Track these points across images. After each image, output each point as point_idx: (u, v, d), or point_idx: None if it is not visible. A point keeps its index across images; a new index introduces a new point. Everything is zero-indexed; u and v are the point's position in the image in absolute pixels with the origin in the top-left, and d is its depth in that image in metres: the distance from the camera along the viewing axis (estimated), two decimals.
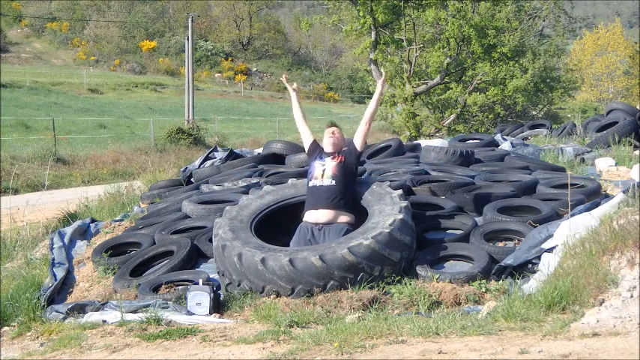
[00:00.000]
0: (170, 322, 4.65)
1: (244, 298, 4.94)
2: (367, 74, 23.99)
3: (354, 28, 21.56)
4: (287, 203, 5.95)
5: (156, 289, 5.27)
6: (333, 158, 5.70)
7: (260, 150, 9.96)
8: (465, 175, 7.30)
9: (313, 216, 5.51)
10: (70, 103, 33.87)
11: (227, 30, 59.04)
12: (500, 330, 3.86)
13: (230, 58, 56.36)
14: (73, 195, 9.93)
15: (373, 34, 21.09)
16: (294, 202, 5.91)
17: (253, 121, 35.41)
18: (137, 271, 5.79)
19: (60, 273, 5.88)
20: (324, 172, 5.62)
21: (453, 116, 22.39)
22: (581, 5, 74.39)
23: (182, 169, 9.57)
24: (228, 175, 8.10)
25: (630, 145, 9.42)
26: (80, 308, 5.02)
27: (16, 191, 13.75)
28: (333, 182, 5.55)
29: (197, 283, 4.98)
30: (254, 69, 56.92)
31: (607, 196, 6.31)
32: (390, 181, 6.30)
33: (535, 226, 5.45)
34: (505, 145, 9.54)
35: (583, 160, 8.91)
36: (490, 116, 23.92)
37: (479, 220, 5.97)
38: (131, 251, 6.33)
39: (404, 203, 5.39)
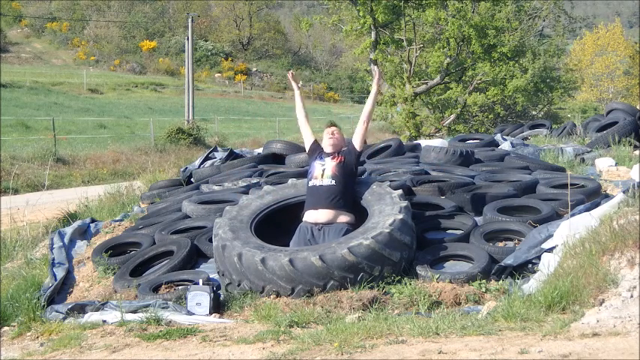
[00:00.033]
0: (170, 322, 4.65)
1: (244, 298, 4.94)
2: (367, 74, 24.00)
3: (354, 28, 21.56)
4: (287, 203, 5.95)
5: (156, 289, 5.27)
6: (332, 158, 5.70)
7: (260, 150, 9.96)
8: (465, 175, 7.30)
9: (313, 216, 5.51)
10: (70, 103, 33.88)
11: (227, 30, 59.04)
12: (500, 330, 3.86)
13: (230, 58, 56.37)
14: (73, 195, 9.93)
15: (373, 34, 21.10)
16: (294, 202, 5.91)
17: (253, 121, 35.42)
18: (137, 271, 5.79)
19: (60, 273, 5.88)
20: (323, 172, 5.62)
21: (453, 116, 22.39)
22: (581, 5, 74.40)
23: (182, 169, 9.57)
24: (228, 175, 8.10)
25: (630, 145, 9.42)
26: (80, 308, 5.02)
27: (16, 191, 13.75)
28: (333, 182, 5.55)
29: (197, 283, 4.98)
30: (254, 69, 56.92)
31: (607, 196, 6.31)
32: (390, 181, 6.30)
33: (535, 226, 5.45)
34: (505, 145, 9.54)
35: (583, 160, 8.91)
36: (490, 116, 23.92)
37: (479, 220, 5.97)
38: (131, 251, 6.33)
39: (404, 203, 5.39)
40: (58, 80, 40.23)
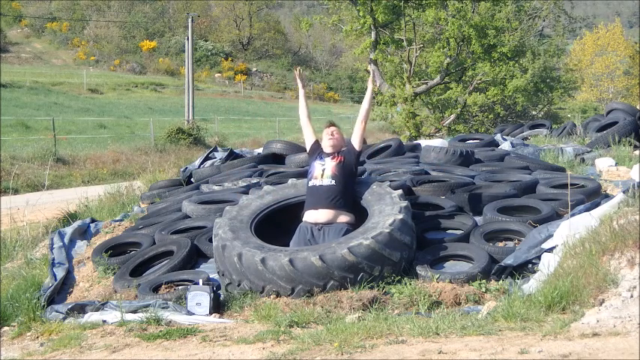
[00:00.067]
0: (170, 322, 4.65)
1: (244, 298, 4.94)
2: (367, 74, 23.99)
3: (354, 28, 21.58)
4: (287, 203, 5.95)
5: (156, 289, 5.27)
6: (332, 158, 5.70)
7: (260, 150, 9.96)
8: (465, 175, 7.30)
9: (313, 216, 5.51)
10: (70, 103, 33.88)
11: (227, 30, 59.06)
12: (500, 330, 3.86)
13: (230, 58, 56.37)
14: (73, 195, 9.93)
15: (373, 34, 21.10)
16: (294, 202, 5.91)
17: (253, 121, 35.42)
18: (137, 271, 5.79)
19: (60, 273, 5.88)
20: (323, 172, 5.62)
21: (453, 116, 22.39)
22: (581, 5, 74.41)
23: (182, 169, 9.57)
24: (228, 175, 8.10)
25: (630, 145, 9.42)
26: (80, 308, 5.02)
27: (16, 191, 13.75)
28: (333, 182, 5.55)
29: (197, 283, 4.98)
30: (254, 69, 56.93)
31: (607, 196, 6.31)
32: (390, 181, 6.29)
33: (535, 226, 5.45)
34: (505, 145, 9.54)
35: (583, 160, 8.91)
36: (490, 116, 23.92)
37: (479, 220, 5.97)
38: (131, 251, 6.33)
39: (404, 203, 5.39)
40: (58, 80, 40.24)
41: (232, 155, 9.54)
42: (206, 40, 56.15)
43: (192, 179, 8.85)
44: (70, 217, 7.91)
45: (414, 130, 20.72)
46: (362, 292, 4.77)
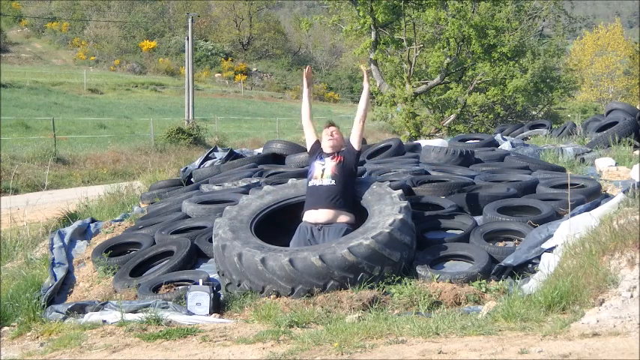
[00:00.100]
0: (170, 322, 4.65)
1: (244, 298, 4.94)
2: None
3: (354, 28, 21.58)
4: (287, 203, 5.95)
5: (156, 289, 5.27)
6: (332, 158, 5.70)
7: (260, 150, 9.96)
8: (465, 175, 7.30)
9: (313, 216, 5.50)
10: (70, 103, 33.89)
11: (227, 30, 59.07)
12: (500, 330, 3.86)
13: (230, 58, 56.38)
14: (73, 195, 9.93)
15: (373, 34, 21.10)
16: (294, 202, 5.91)
17: (253, 121, 35.42)
18: (137, 271, 5.79)
19: (60, 273, 5.88)
20: (323, 172, 5.62)
21: (453, 116, 22.39)
22: (581, 5, 74.41)
23: (182, 169, 9.57)
24: (228, 175, 8.10)
25: (630, 145, 9.42)
26: (80, 308, 5.02)
27: (16, 191, 13.75)
28: (333, 182, 5.55)
29: (197, 283, 4.98)
30: (254, 69, 56.94)
31: (607, 196, 6.31)
32: (390, 181, 6.29)
33: (535, 226, 5.45)
34: (505, 145, 9.54)
35: (583, 160, 8.91)
36: (490, 116, 23.92)
37: (478, 220, 5.97)
38: (131, 251, 6.33)
39: (404, 203, 5.39)
40: (58, 80, 40.25)
41: (232, 155, 9.54)
42: (206, 40, 56.17)
43: (192, 179, 8.85)
44: (70, 217, 7.92)
45: (414, 130, 20.72)
46: (362, 292, 4.77)
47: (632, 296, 3.85)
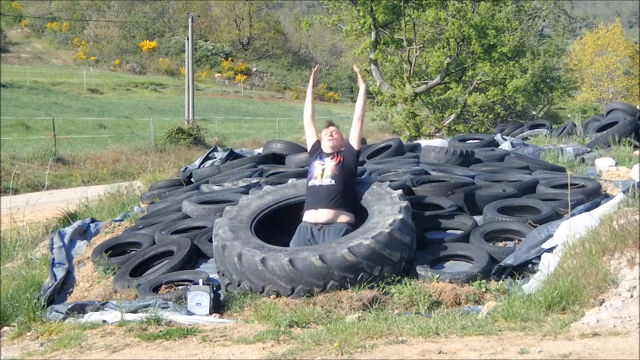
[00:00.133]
0: (170, 322, 4.65)
1: (244, 298, 4.94)
2: (367, 74, 24.00)
3: (354, 28, 21.57)
4: (287, 203, 5.95)
5: (156, 289, 5.27)
6: (332, 158, 5.70)
7: (260, 150, 9.96)
8: (465, 175, 7.30)
9: (313, 216, 5.50)
10: (70, 103, 33.89)
11: (227, 30, 59.06)
12: (500, 330, 3.86)
13: (230, 58, 56.38)
14: (73, 195, 9.93)
15: (373, 34, 21.10)
16: (294, 202, 5.91)
17: (253, 121, 35.42)
18: (137, 271, 5.79)
19: (60, 273, 5.88)
20: (323, 172, 5.62)
21: (453, 116, 22.39)
22: (581, 5, 74.42)
23: (182, 169, 9.57)
24: (228, 175, 8.10)
25: (630, 145, 9.42)
26: (80, 308, 5.02)
27: (16, 191, 13.75)
28: (333, 182, 5.55)
29: (197, 283, 4.98)
30: (254, 69, 56.93)
31: (607, 196, 6.31)
32: (390, 181, 6.29)
33: (535, 226, 5.45)
34: (505, 145, 9.54)
35: (583, 160, 8.91)
36: (490, 116, 23.92)
37: (479, 220, 5.97)
38: (131, 251, 6.33)
39: (404, 203, 5.39)
40: (58, 80, 40.25)
41: (232, 155, 9.54)
42: (206, 40, 56.16)
43: (192, 179, 8.85)
44: (70, 217, 7.92)
45: (414, 130, 20.72)
46: (362, 292, 4.77)
47: (632, 296, 3.85)
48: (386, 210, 5.31)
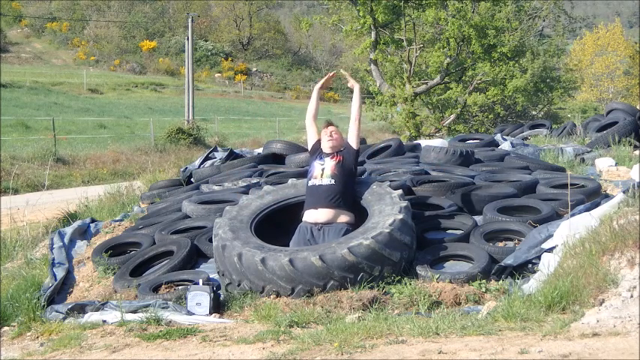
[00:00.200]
0: (170, 322, 4.65)
1: (244, 298, 4.94)
2: (367, 74, 24.00)
3: (354, 28, 21.57)
4: (287, 203, 5.95)
5: (156, 289, 5.27)
6: (332, 158, 5.71)
7: (260, 150, 9.96)
8: (465, 175, 7.30)
9: (313, 216, 5.50)
10: (70, 103, 33.88)
11: (227, 30, 59.04)
12: (500, 330, 3.86)
13: (230, 58, 56.36)
14: (73, 195, 9.93)
15: (373, 34, 21.10)
16: (294, 202, 5.91)
17: (253, 121, 35.42)
18: (137, 271, 5.79)
19: (60, 273, 5.88)
20: (323, 172, 5.62)
21: (453, 116, 22.40)
22: (581, 5, 74.42)
23: (182, 169, 9.57)
24: (228, 175, 8.10)
25: (630, 145, 9.42)
26: (80, 308, 5.02)
27: (16, 191, 13.75)
28: (333, 181, 5.55)
29: (197, 283, 4.98)
30: (254, 69, 56.92)
31: (607, 196, 6.31)
32: (390, 181, 6.30)
33: (535, 226, 5.45)
34: (505, 145, 9.54)
35: (583, 160, 8.91)
36: (490, 116, 23.93)
37: (479, 220, 5.97)
38: (131, 251, 6.33)
39: (404, 203, 5.39)
40: (58, 80, 40.24)
41: (232, 155, 9.54)
42: (206, 40, 56.14)
43: (192, 179, 8.85)
44: (70, 217, 7.92)
45: (414, 130, 20.72)
46: (362, 292, 4.77)
47: (632, 296, 3.85)
48: (386, 210, 5.31)
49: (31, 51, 52.27)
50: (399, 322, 4.13)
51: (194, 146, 23.25)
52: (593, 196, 6.26)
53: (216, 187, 7.55)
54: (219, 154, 9.65)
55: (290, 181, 6.23)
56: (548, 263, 4.81)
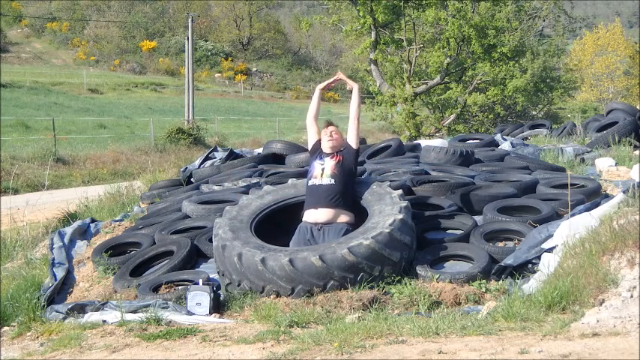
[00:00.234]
0: (170, 322, 4.65)
1: (244, 298, 4.94)
2: (367, 74, 24.00)
3: (354, 28, 21.57)
4: (287, 203, 5.95)
5: (156, 289, 5.27)
6: (332, 158, 5.71)
7: (260, 150, 9.96)
8: (465, 175, 7.30)
9: (313, 215, 5.50)
10: (70, 103, 33.88)
11: (227, 30, 59.03)
12: (500, 330, 3.86)
13: (230, 58, 56.35)
14: (73, 195, 9.93)
15: (373, 34, 21.10)
16: (294, 202, 5.91)
17: (253, 121, 35.42)
18: (137, 271, 5.79)
19: (60, 273, 5.88)
20: (323, 171, 5.62)
21: (453, 116, 22.40)
22: (581, 5, 74.42)
23: (182, 169, 9.57)
24: (228, 175, 8.10)
25: (630, 145, 9.42)
26: (80, 308, 5.02)
27: (16, 191, 13.75)
28: (333, 181, 5.55)
29: (197, 283, 4.98)
30: (254, 69, 56.91)
31: (607, 196, 6.31)
32: (390, 181, 6.30)
33: (535, 226, 5.45)
34: (505, 145, 9.54)
35: (583, 160, 8.91)
36: (490, 116, 23.93)
37: (479, 220, 5.97)
38: (131, 251, 6.33)
39: (404, 203, 5.39)
40: (58, 80, 40.24)
41: (232, 155, 9.54)
42: (206, 40, 56.13)
43: (192, 179, 8.85)
44: (70, 217, 7.92)
45: (414, 130, 20.72)
46: (362, 292, 4.77)
47: (632, 296, 3.85)
48: (386, 210, 5.31)
49: (31, 51, 52.27)
50: (399, 322, 4.13)
51: (194, 146, 23.25)
52: (593, 196, 6.26)
53: (216, 187, 7.55)
54: (219, 154, 9.65)
55: (290, 181, 6.23)
56: (548, 263, 4.81)
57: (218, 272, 5.28)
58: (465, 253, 5.37)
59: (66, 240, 6.80)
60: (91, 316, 4.87)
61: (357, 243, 4.92)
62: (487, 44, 20.43)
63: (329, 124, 5.95)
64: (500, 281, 4.99)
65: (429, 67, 23.57)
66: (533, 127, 13.00)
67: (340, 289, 4.84)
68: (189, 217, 6.82)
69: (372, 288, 4.86)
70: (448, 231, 5.93)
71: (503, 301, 4.41)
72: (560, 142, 10.47)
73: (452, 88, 22.34)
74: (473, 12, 20.38)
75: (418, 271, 5.10)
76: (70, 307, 5.03)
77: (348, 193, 5.62)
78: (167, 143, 23.05)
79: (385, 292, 4.87)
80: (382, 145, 9.00)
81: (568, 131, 11.55)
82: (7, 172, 15.49)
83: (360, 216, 5.52)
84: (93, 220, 7.77)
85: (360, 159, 7.00)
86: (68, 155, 19.80)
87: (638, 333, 3.47)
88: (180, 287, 5.25)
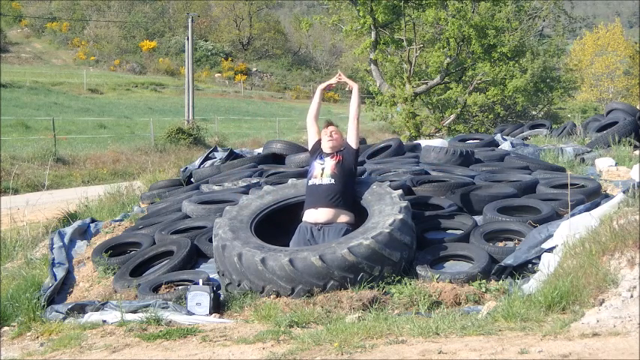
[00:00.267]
0: (170, 322, 4.65)
1: (244, 298, 4.94)
2: (367, 74, 24.00)
3: (354, 28, 21.58)
4: (287, 203, 5.95)
5: (156, 289, 5.27)
6: (332, 157, 5.71)
7: (260, 150, 9.96)
8: (465, 175, 7.30)
9: (313, 215, 5.50)
10: (70, 103, 33.88)
11: (227, 30, 59.02)
12: (500, 330, 3.86)
13: (230, 58, 56.35)
14: (73, 195, 9.93)
15: (373, 34, 21.10)
16: (294, 202, 5.91)
17: (253, 121, 35.42)
18: (137, 271, 5.79)
19: (60, 273, 5.88)
20: (323, 171, 5.62)
21: (453, 116, 22.40)
22: (581, 5, 74.44)
23: (182, 169, 9.57)
24: (228, 175, 8.10)
25: (630, 145, 9.42)
26: (80, 308, 5.02)
27: (16, 191, 13.75)
28: (333, 181, 5.55)
29: (197, 283, 4.98)
30: (254, 69, 56.91)
31: (607, 196, 6.31)
32: (390, 181, 6.30)
33: (535, 226, 5.45)
34: (505, 145, 9.54)
35: (583, 160, 8.91)
36: (490, 116, 23.93)
37: (479, 220, 5.97)
38: (131, 251, 6.33)
39: (404, 203, 5.39)
40: (58, 80, 40.24)
41: (232, 155, 9.54)
42: (206, 40, 56.13)
43: (192, 179, 8.85)
44: (70, 217, 7.92)
45: (414, 130, 20.72)
46: (362, 292, 4.77)
47: (632, 296, 3.85)
48: (386, 210, 5.31)
49: (31, 51, 52.27)
50: (399, 322, 4.13)
51: (194, 146, 23.25)
52: (593, 196, 6.26)
53: (216, 187, 7.55)
54: (219, 154, 9.65)
55: (290, 181, 6.23)
56: (548, 263, 4.81)
57: (218, 272, 5.28)
58: (465, 253, 5.37)
59: (66, 240, 6.80)
60: (91, 316, 4.87)
61: (357, 243, 4.92)
62: (487, 44, 20.43)
63: (329, 124, 5.95)
64: (500, 281, 4.99)
65: (429, 67, 23.57)
66: (533, 127, 13.00)
67: (340, 289, 4.84)
68: (189, 217, 6.82)
69: (372, 288, 4.86)
70: (448, 231, 5.93)
71: (503, 301, 4.41)
72: (560, 142, 10.47)
73: (452, 88, 22.34)
74: (473, 12, 20.38)
75: (418, 271, 5.10)
76: (70, 307, 5.03)
77: (348, 193, 5.62)
78: (167, 143, 23.06)
79: (385, 292, 4.87)
80: (382, 145, 9.00)
81: (568, 131, 11.55)
82: (7, 172, 15.49)
83: (360, 216, 5.52)
84: (93, 220, 7.77)
85: (360, 159, 7.00)
86: (68, 155, 19.80)
87: (638, 333, 3.47)
88: (180, 287, 5.25)
